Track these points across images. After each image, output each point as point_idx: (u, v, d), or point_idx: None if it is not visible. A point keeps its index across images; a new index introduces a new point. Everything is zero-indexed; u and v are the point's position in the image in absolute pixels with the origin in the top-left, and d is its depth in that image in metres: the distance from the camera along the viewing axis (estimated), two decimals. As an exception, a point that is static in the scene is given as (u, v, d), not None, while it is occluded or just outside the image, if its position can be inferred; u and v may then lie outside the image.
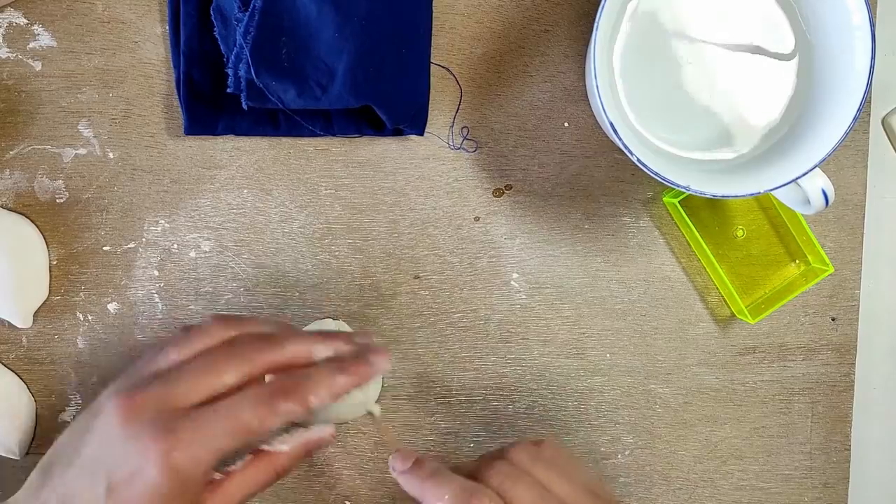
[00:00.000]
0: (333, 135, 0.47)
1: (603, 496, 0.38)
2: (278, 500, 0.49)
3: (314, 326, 0.47)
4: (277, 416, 0.35)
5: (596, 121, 0.48)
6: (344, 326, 0.48)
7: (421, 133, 0.47)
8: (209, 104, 0.45)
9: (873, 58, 0.39)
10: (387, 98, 0.44)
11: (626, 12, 0.42)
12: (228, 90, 0.43)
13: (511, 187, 0.48)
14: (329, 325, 0.47)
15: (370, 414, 0.44)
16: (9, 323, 0.47)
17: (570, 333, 0.49)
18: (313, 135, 0.46)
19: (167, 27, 0.46)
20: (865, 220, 0.49)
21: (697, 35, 0.42)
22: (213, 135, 0.46)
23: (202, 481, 0.35)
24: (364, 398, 0.47)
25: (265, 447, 0.38)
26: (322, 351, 0.38)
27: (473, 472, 0.37)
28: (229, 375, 0.36)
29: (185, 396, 0.35)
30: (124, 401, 0.35)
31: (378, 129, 0.46)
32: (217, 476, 0.37)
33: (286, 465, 0.38)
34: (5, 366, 0.47)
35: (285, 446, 0.38)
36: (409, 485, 0.38)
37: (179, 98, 0.45)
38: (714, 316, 0.49)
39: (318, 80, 0.42)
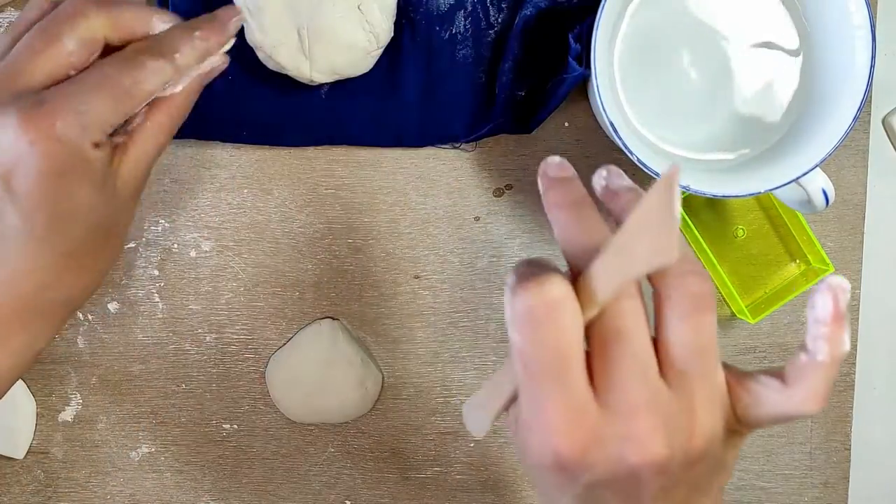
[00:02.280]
0: (321, 144, 0.47)
1: None
2: (278, 499, 0.49)
3: (314, 327, 0.47)
4: (145, 70, 0.33)
5: (596, 120, 0.47)
6: (345, 326, 0.48)
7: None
8: (197, 111, 0.45)
9: (874, 57, 0.39)
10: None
11: (626, 12, 0.42)
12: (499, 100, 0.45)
13: (511, 187, 0.48)
14: (329, 325, 0.47)
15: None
16: (9, 323, 0.47)
17: (570, 333, 0.49)
18: (300, 144, 0.47)
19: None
20: (866, 220, 0.49)
21: (698, 35, 0.42)
22: (200, 139, 0.46)
23: (102, 150, 0.33)
24: (360, 395, 0.47)
25: (157, 95, 0.35)
26: (160, 23, 0.35)
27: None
28: (69, 40, 0.33)
29: (30, 74, 0.32)
30: None
31: (364, 137, 0.47)
32: (119, 140, 0.34)
33: (184, 103, 0.36)
34: (5, 365, 0.47)
35: (178, 87, 0.35)
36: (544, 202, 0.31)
37: None
38: (714, 316, 0.49)
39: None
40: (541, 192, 0.31)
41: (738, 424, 0.30)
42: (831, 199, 0.40)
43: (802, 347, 0.30)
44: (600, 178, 0.32)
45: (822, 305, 0.28)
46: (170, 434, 0.48)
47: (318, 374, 0.46)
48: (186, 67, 0.35)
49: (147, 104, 0.35)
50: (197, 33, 0.35)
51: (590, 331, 0.27)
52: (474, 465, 0.49)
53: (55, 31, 0.33)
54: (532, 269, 0.27)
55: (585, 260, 0.28)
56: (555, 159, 0.32)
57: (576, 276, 0.28)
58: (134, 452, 0.48)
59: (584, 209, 0.30)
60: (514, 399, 0.30)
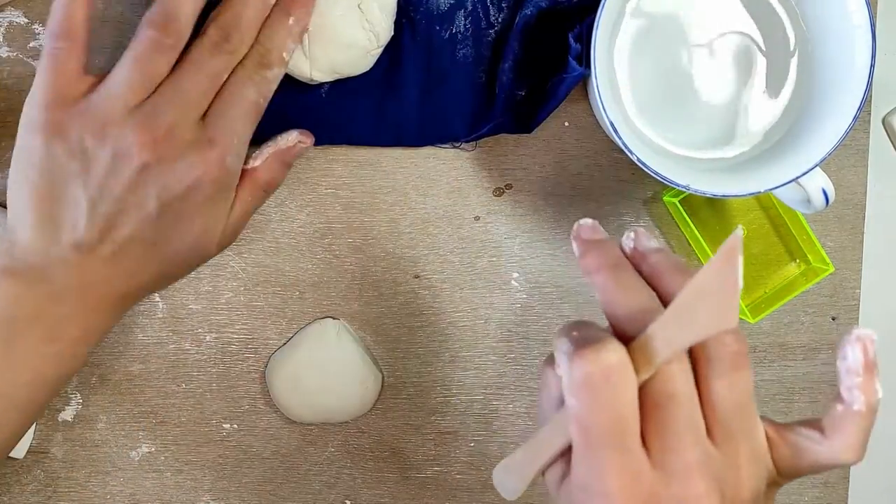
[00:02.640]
0: (321, 144, 0.47)
1: None
2: (278, 499, 0.49)
3: (314, 326, 0.47)
4: (269, 82, 0.39)
5: (596, 120, 0.47)
6: (345, 326, 0.48)
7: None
8: None
9: (874, 57, 0.39)
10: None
11: (626, 11, 0.42)
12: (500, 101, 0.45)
13: (511, 186, 0.48)
14: (329, 325, 0.47)
15: None
16: (9, 322, 0.47)
17: (570, 333, 0.49)
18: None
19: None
20: (866, 220, 0.49)
21: (698, 34, 0.42)
22: None
23: (236, 179, 0.39)
24: (360, 394, 0.47)
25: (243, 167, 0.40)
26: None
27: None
28: (224, 75, 0.38)
29: (199, 107, 0.37)
30: (148, 134, 0.36)
31: (364, 137, 0.47)
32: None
33: (267, 178, 0.41)
34: (5, 365, 0.47)
35: (257, 161, 0.41)
36: (581, 265, 0.32)
37: None
38: (714, 315, 0.49)
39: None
40: (576, 254, 0.32)
41: (778, 476, 0.31)
42: (831, 199, 0.40)
43: (838, 398, 0.31)
44: (629, 241, 0.32)
45: (853, 357, 0.29)
46: (170, 434, 0.48)
47: (318, 374, 0.46)
48: (290, 58, 0.40)
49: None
50: (291, 20, 0.39)
51: (640, 392, 0.28)
52: (474, 465, 0.49)
53: (213, 70, 0.38)
54: (587, 335, 0.28)
55: (630, 322, 0.29)
56: (587, 222, 0.33)
57: (619, 336, 0.29)
58: (134, 452, 0.48)
59: (622, 272, 0.31)
60: (554, 460, 0.31)
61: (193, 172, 0.37)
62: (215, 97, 0.38)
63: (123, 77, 0.37)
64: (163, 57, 0.37)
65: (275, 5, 0.39)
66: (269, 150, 0.41)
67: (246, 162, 0.40)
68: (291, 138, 0.41)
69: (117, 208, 0.36)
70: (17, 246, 0.36)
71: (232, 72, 0.38)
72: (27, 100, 0.38)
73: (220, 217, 0.39)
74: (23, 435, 0.39)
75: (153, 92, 0.37)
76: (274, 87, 0.39)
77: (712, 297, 0.26)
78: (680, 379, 0.28)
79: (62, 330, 0.37)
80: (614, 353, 0.27)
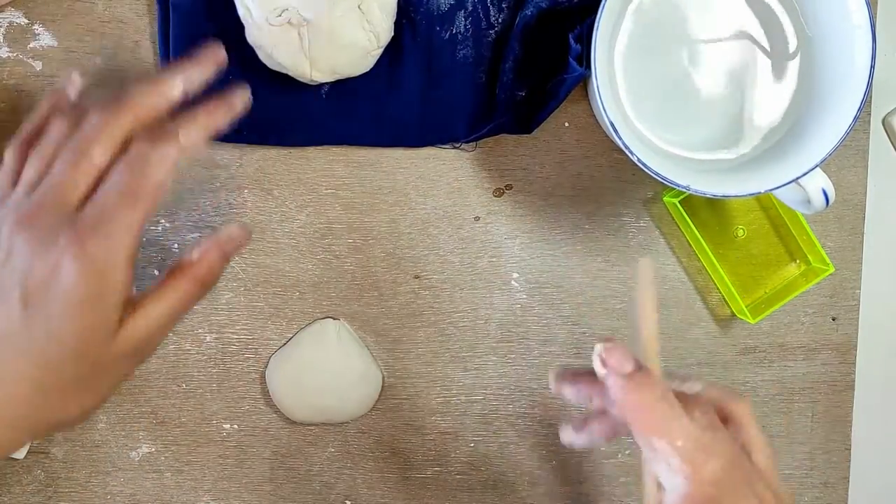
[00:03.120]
0: (321, 144, 0.47)
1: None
2: (279, 499, 0.49)
3: (315, 327, 0.47)
4: (153, 166, 0.34)
5: (596, 120, 0.47)
6: (345, 326, 0.48)
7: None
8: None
9: (874, 57, 0.39)
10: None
11: (626, 11, 0.42)
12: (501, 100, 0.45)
13: (511, 187, 0.48)
14: (329, 325, 0.47)
15: None
16: (9, 322, 0.47)
17: (570, 333, 0.49)
18: (300, 144, 0.47)
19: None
20: (866, 220, 0.49)
21: (698, 35, 0.42)
22: None
23: (121, 282, 0.33)
24: (360, 394, 0.47)
25: (178, 261, 0.36)
26: (175, 88, 0.36)
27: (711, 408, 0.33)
28: (97, 150, 0.34)
29: (72, 192, 0.34)
30: (19, 222, 0.33)
31: (364, 137, 0.47)
32: (133, 293, 0.35)
33: (204, 273, 0.36)
34: (6, 365, 0.47)
35: (196, 253, 0.36)
36: (625, 406, 0.32)
37: None
38: (714, 315, 0.49)
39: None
40: (606, 382, 0.32)
41: None
42: (831, 200, 0.40)
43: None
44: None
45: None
46: (170, 434, 0.48)
47: (318, 374, 0.46)
48: (193, 147, 0.35)
49: (169, 270, 0.36)
50: (202, 108, 0.36)
51: None
52: (474, 465, 0.49)
53: (86, 146, 0.34)
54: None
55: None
56: (611, 346, 0.32)
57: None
58: (134, 452, 0.48)
59: (672, 404, 0.32)
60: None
61: (56, 258, 0.33)
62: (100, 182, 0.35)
63: (24, 174, 0.36)
64: (55, 142, 0.35)
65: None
66: (208, 241, 0.37)
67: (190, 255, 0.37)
68: (234, 231, 0.37)
69: None
70: None
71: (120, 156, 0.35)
72: None
73: (100, 318, 0.34)
74: None
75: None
76: (163, 168, 0.34)
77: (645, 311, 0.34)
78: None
79: None
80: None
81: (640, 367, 0.32)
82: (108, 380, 0.35)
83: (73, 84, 0.38)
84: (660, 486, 0.32)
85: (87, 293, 0.33)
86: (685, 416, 0.31)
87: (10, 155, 0.37)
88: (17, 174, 0.36)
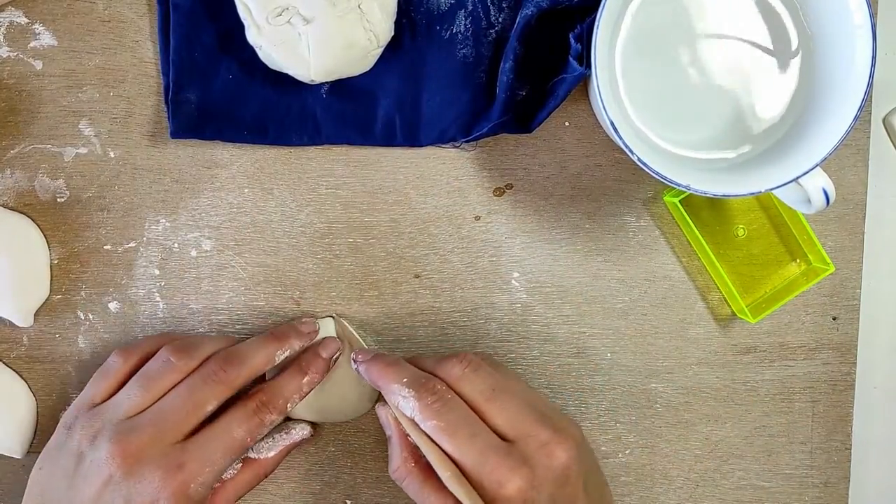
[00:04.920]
0: (321, 143, 0.47)
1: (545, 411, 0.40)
2: (279, 499, 0.49)
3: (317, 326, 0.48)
4: (264, 427, 0.41)
5: (597, 120, 0.47)
6: (345, 325, 0.48)
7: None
8: (196, 111, 0.45)
9: (874, 57, 0.39)
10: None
11: (627, 11, 0.42)
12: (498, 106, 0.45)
13: (512, 186, 0.48)
14: (330, 324, 0.47)
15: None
16: (10, 322, 0.47)
17: (570, 332, 0.49)
18: (300, 143, 0.47)
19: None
20: (866, 220, 0.49)
21: (699, 34, 0.42)
22: (200, 139, 0.46)
23: (206, 499, 0.40)
24: (360, 394, 0.47)
25: (252, 455, 0.44)
26: (280, 355, 0.43)
27: (428, 367, 0.42)
28: (211, 404, 0.40)
29: (176, 432, 0.39)
30: (120, 447, 0.38)
31: (365, 137, 0.47)
32: (216, 485, 0.41)
33: (271, 467, 0.44)
34: (6, 365, 0.47)
35: (272, 453, 0.44)
36: (371, 373, 0.42)
37: (166, 104, 0.45)
38: (715, 315, 0.49)
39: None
40: (357, 365, 0.43)
41: None
42: (832, 199, 0.40)
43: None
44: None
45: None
46: (170, 433, 0.48)
47: (318, 374, 0.46)
48: (290, 412, 0.44)
49: (241, 460, 0.43)
50: (306, 379, 0.43)
51: None
52: (475, 465, 0.49)
53: (202, 397, 0.40)
54: None
55: None
56: (358, 351, 0.44)
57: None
58: (134, 452, 0.48)
59: (398, 362, 0.43)
60: None
61: (153, 489, 0.38)
62: (205, 425, 0.40)
63: (127, 391, 0.41)
64: (168, 377, 0.41)
65: (293, 360, 0.44)
66: (283, 442, 0.45)
67: (257, 451, 0.44)
68: (304, 432, 0.45)
69: None
70: None
71: (233, 405, 0.41)
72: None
73: None
74: None
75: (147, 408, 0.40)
76: (266, 431, 0.42)
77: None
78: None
79: None
80: None
81: (376, 355, 0.43)
82: None
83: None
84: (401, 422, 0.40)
85: None
86: (409, 367, 0.41)
87: (118, 363, 0.43)
88: (119, 385, 0.42)
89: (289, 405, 0.43)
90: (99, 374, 0.43)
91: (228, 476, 0.43)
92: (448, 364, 0.41)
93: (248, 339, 0.48)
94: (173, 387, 0.41)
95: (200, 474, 0.39)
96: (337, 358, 0.45)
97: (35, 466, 0.41)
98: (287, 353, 0.44)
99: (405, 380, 0.40)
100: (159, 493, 0.38)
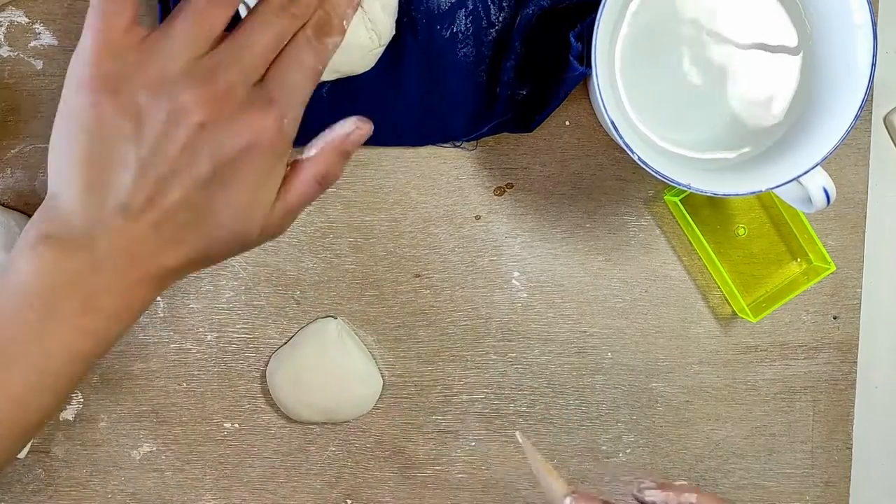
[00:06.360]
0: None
1: None
2: (279, 498, 0.49)
3: (315, 326, 0.47)
4: (328, 51, 0.37)
5: (597, 119, 0.47)
6: (345, 325, 0.48)
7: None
8: None
9: (875, 56, 0.39)
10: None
11: (627, 10, 0.42)
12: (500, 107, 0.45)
13: (512, 186, 0.48)
14: (330, 324, 0.47)
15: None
16: (10, 321, 0.47)
17: (571, 332, 0.49)
18: (301, 143, 0.46)
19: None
20: (867, 219, 0.49)
21: (699, 33, 0.42)
22: None
23: (288, 157, 0.36)
24: (362, 393, 0.47)
25: (297, 157, 0.38)
26: None
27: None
28: (276, 29, 0.36)
29: (257, 69, 0.35)
30: (207, 91, 0.34)
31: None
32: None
33: (322, 170, 0.37)
34: (6, 364, 0.47)
35: (311, 151, 0.37)
36: None
37: None
38: (715, 314, 0.49)
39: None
40: None
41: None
42: (832, 198, 0.40)
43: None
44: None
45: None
46: (171, 433, 0.48)
47: (318, 374, 0.46)
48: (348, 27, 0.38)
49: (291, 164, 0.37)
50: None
51: None
52: (475, 465, 0.49)
53: (269, 23, 0.36)
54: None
55: None
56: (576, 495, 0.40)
57: None
58: (135, 451, 0.48)
59: None
60: None
61: (251, 131, 0.34)
62: (274, 60, 0.36)
63: (181, 30, 0.34)
64: (221, 11, 0.35)
65: None
66: (324, 139, 0.38)
67: (301, 152, 0.38)
68: (348, 126, 0.38)
69: (169, 170, 0.34)
70: (60, 211, 0.34)
71: (292, 37, 0.36)
72: (74, 55, 0.35)
73: (268, 193, 0.36)
74: (51, 418, 0.37)
75: (212, 48, 0.35)
76: (332, 55, 0.37)
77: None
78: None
79: (100, 302, 0.34)
80: None
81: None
82: (237, 249, 0.37)
83: None
84: None
85: (266, 168, 0.35)
86: None
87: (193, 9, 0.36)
88: (137, 13, 0.35)
89: (344, 22, 0.37)
90: (100, 19, 0.34)
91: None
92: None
93: (248, 337, 0.48)
94: (226, 25, 0.36)
95: (289, 106, 0.35)
96: None
97: (52, 146, 0.35)
98: None
99: None
100: (259, 132, 0.34)
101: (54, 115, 0.47)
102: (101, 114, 0.34)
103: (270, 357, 0.48)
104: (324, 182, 0.38)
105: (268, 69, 0.36)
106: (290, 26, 0.36)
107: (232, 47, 0.35)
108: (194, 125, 0.34)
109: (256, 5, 0.36)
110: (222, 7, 0.35)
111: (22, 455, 0.47)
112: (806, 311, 0.49)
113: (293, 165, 0.37)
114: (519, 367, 0.49)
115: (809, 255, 0.49)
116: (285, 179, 0.36)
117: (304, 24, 0.36)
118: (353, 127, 0.38)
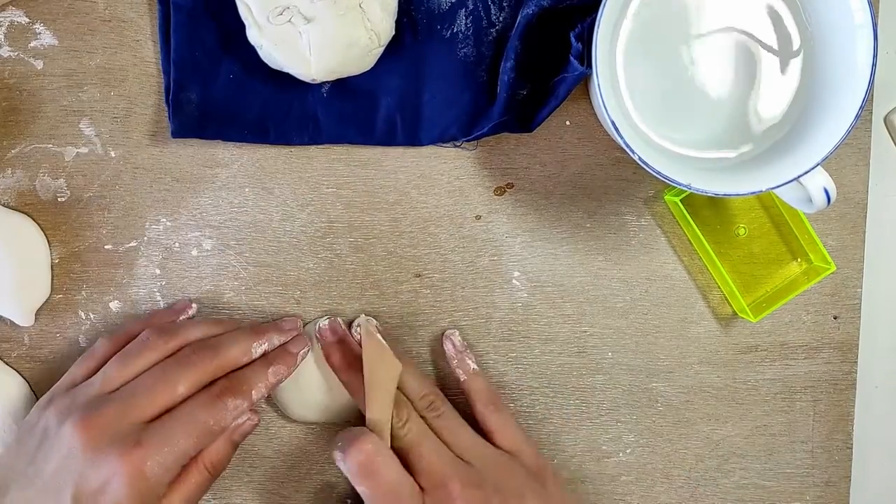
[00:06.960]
0: (322, 143, 0.47)
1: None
2: (280, 498, 0.49)
3: (319, 324, 0.47)
4: (227, 411, 0.40)
5: (597, 119, 0.47)
6: (342, 325, 0.48)
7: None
8: (197, 110, 0.45)
9: (875, 56, 0.39)
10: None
11: (627, 10, 0.42)
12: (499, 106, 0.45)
13: (512, 185, 0.48)
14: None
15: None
16: (11, 322, 0.47)
17: (571, 332, 0.49)
18: (301, 143, 0.47)
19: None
20: (867, 219, 0.49)
21: (700, 33, 0.42)
22: (201, 139, 0.46)
23: (166, 484, 0.39)
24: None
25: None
26: (258, 349, 0.43)
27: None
28: (182, 386, 0.40)
29: (142, 411, 0.39)
30: (83, 423, 0.38)
31: (365, 136, 0.47)
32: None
33: (212, 459, 0.42)
34: (7, 364, 0.48)
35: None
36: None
37: (167, 103, 0.45)
38: (716, 314, 0.49)
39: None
40: (320, 347, 0.45)
41: None
42: (833, 198, 0.40)
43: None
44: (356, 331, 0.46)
45: (448, 349, 0.47)
46: (171, 433, 0.48)
47: (319, 373, 0.46)
48: (258, 401, 0.42)
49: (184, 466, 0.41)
50: (271, 369, 0.43)
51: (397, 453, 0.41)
52: (476, 464, 0.49)
53: (174, 378, 0.40)
54: (347, 436, 0.40)
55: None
56: (325, 323, 0.46)
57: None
58: (135, 451, 0.48)
59: (356, 371, 0.43)
60: None
61: (110, 467, 0.37)
62: (175, 407, 0.40)
63: (104, 370, 0.41)
64: (145, 356, 0.41)
65: (261, 356, 0.43)
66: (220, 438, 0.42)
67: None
68: (241, 418, 0.42)
69: (40, 488, 0.38)
70: None
71: (202, 390, 0.41)
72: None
73: None
74: None
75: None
76: (231, 417, 0.41)
77: (378, 362, 0.42)
78: (413, 431, 0.41)
79: None
80: (369, 440, 0.40)
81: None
82: None
83: (186, 313, 0.46)
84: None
85: (137, 498, 0.37)
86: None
87: (103, 346, 0.43)
88: (100, 366, 0.42)
89: (253, 392, 0.41)
90: (82, 357, 0.43)
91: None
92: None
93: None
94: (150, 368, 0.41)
95: (158, 452, 0.38)
96: (306, 354, 0.44)
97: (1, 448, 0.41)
98: (265, 347, 0.43)
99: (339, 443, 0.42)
100: (115, 469, 0.37)
101: (54, 115, 0.47)
102: (28, 422, 0.41)
103: (271, 357, 0.48)
104: (213, 471, 0.41)
105: (164, 414, 0.39)
106: (191, 378, 0.40)
107: (127, 387, 0.40)
108: (65, 452, 0.38)
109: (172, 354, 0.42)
110: (145, 353, 0.42)
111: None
112: (806, 311, 0.49)
113: (186, 466, 0.40)
114: (519, 366, 0.49)
115: (810, 255, 0.49)
116: (178, 479, 0.40)
117: (214, 382, 0.41)
118: (244, 418, 0.42)
